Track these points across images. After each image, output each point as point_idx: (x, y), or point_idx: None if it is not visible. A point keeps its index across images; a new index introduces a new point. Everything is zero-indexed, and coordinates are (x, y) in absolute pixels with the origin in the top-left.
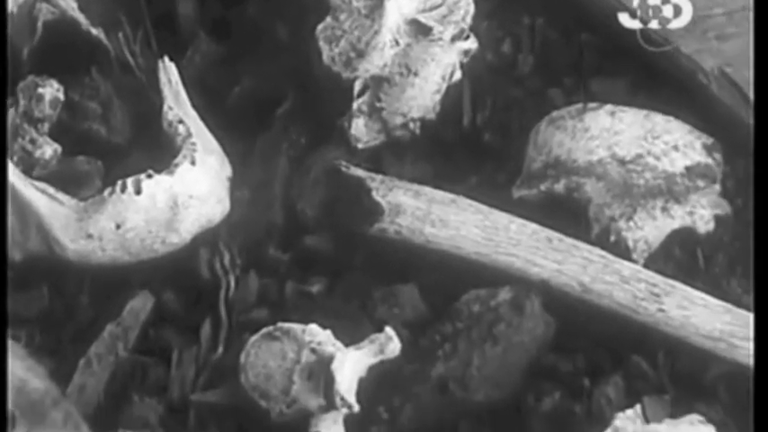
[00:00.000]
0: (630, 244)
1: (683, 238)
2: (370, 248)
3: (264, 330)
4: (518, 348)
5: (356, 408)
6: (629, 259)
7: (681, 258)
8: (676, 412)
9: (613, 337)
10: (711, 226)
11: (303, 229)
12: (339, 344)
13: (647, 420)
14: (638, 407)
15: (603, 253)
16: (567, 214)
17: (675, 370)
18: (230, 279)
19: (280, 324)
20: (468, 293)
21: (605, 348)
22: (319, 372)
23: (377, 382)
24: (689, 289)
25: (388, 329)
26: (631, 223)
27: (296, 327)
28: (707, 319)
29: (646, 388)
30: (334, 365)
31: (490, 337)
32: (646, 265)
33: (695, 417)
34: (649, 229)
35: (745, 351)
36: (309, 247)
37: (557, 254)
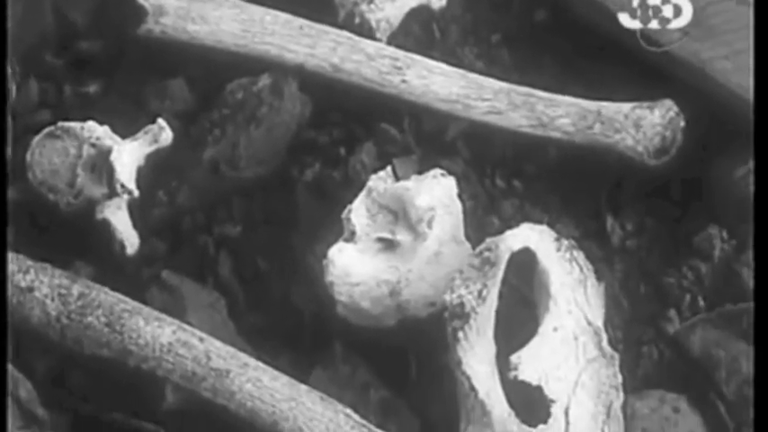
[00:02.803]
0: (374, 24)
1: (420, 15)
2: (139, 48)
3: (46, 130)
4: (280, 127)
5: (136, 193)
6: (374, 38)
7: (419, 33)
8: (423, 169)
9: (364, 109)
10: (444, 1)
11: (75, 36)
12: (116, 137)
13: (397, 178)
14: (389, 168)
15: (350, 35)
16: (315, 2)
17: (420, 132)
18: (12, 86)
19: (60, 123)
20: (231, 82)
21: (357, 120)
22: (100, 164)
23: (154, 169)
24: (427, 60)
25: (160, 120)
26: (373, 6)
27: (75, 125)
28: (444, 85)
29: (395, 151)
30: (113, 157)
31: (254, 119)
32: (388, 43)
33: (437, 171)
34: (390, 9)
35: (479, 110)
36: (83, 51)
37: (308, 39)
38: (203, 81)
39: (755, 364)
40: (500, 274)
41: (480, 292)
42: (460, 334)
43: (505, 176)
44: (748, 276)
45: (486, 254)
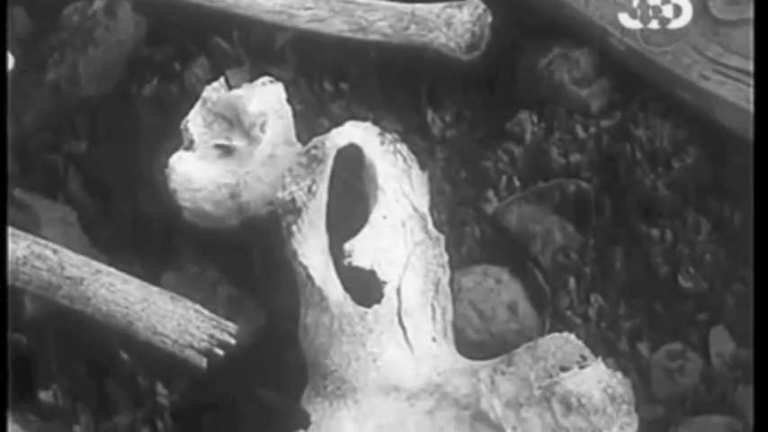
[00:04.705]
0: None
1: None
2: None
3: None
4: (116, 47)
5: None
6: None
7: None
8: (254, 78)
9: (195, 24)
10: None
11: None
12: None
13: (230, 88)
14: (222, 79)
15: None
16: None
17: (249, 44)
18: None
19: None
20: (67, 7)
21: (190, 36)
22: None
23: None
24: None
25: None
26: None
27: None
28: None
29: (227, 63)
30: None
31: (91, 41)
32: None
33: (266, 78)
34: None
35: (302, 18)
36: None
37: None
38: (41, 7)
39: (755, 363)
40: (328, 169)
41: (310, 188)
42: (294, 228)
43: (332, 80)
44: (557, 155)
45: (314, 152)
